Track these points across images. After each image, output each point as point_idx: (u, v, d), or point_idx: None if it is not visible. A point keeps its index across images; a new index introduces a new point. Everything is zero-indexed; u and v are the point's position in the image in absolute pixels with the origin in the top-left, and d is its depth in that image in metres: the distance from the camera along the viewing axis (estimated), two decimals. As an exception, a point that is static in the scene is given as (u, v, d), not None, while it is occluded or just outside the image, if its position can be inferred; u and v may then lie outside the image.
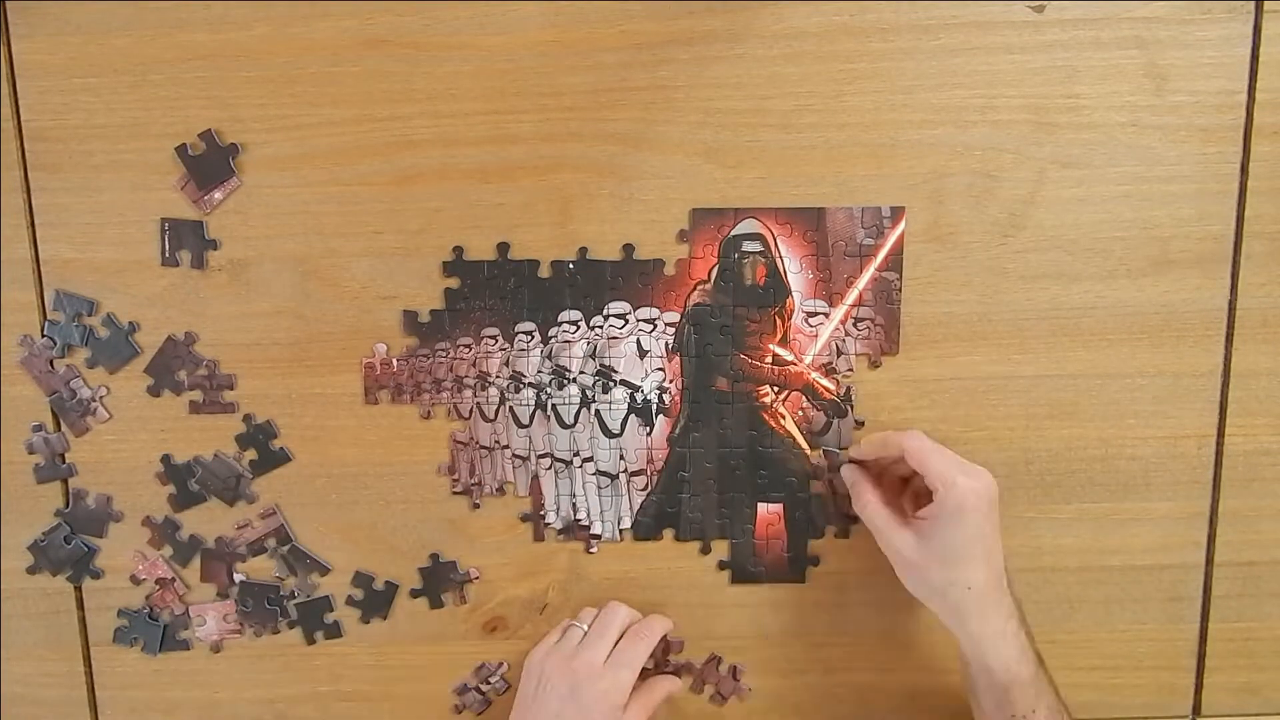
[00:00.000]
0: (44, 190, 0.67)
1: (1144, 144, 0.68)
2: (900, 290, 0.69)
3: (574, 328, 0.70)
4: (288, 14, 0.65)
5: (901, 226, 0.69)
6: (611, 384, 0.71)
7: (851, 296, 0.70)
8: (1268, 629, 0.75)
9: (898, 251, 0.69)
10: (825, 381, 0.71)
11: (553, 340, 0.70)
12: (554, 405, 0.71)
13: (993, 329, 0.70)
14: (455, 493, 0.72)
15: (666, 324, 0.70)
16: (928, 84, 0.67)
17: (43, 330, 0.69)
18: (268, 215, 0.68)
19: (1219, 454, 0.72)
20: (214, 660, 0.74)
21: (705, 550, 0.73)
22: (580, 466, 0.72)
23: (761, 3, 0.65)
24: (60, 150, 0.67)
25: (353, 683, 0.75)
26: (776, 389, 0.71)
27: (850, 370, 0.71)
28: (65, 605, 0.73)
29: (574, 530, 0.73)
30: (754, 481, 0.72)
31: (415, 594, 0.73)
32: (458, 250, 0.69)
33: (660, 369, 0.71)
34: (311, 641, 0.74)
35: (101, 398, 0.70)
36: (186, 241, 0.68)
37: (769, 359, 0.71)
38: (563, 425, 0.71)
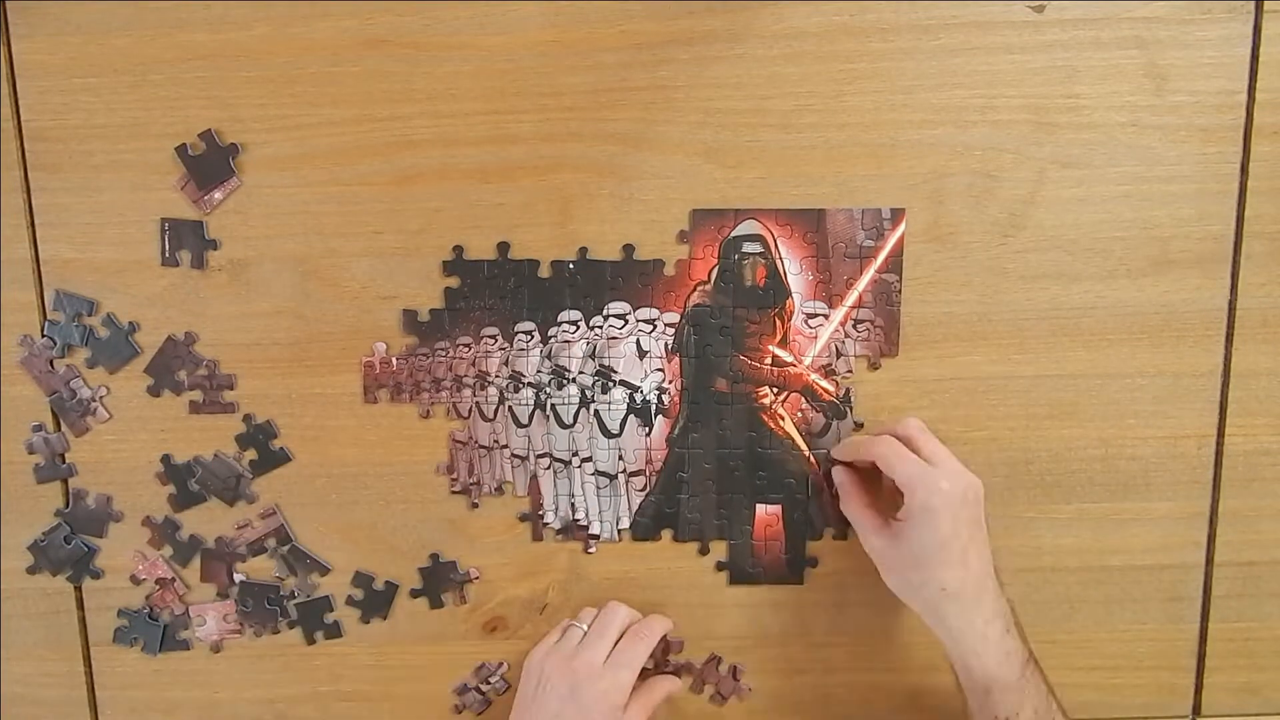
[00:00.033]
0: (44, 190, 0.67)
1: (1144, 144, 0.68)
2: (900, 292, 0.69)
3: (574, 328, 0.70)
4: (288, 14, 0.65)
5: (901, 228, 0.69)
6: (611, 384, 0.71)
7: (851, 298, 0.70)
8: (1268, 629, 0.75)
9: (898, 253, 0.69)
10: (824, 383, 0.71)
11: (552, 340, 0.70)
12: (553, 405, 0.71)
13: (993, 329, 0.70)
14: (454, 492, 0.72)
15: (666, 324, 0.70)
16: (928, 84, 0.67)
17: (43, 330, 0.69)
18: (268, 215, 0.68)
19: (1219, 454, 0.72)
20: (214, 660, 0.74)
21: (704, 551, 0.73)
22: (579, 466, 0.72)
23: (761, 3, 0.65)
24: (60, 150, 0.67)
25: (353, 683, 0.75)
26: (776, 390, 0.71)
27: (850, 371, 0.71)
28: (65, 605, 0.73)
29: (573, 530, 0.73)
30: (753, 482, 0.72)
31: (415, 594, 0.73)
32: (458, 250, 0.69)
33: (660, 369, 0.71)
34: (311, 641, 0.74)
35: (101, 398, 0.70)
36: (186, 241, 0.68)
37: (768, 360, 0.71)
38: (562, 425, 0.71)
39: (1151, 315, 0.70)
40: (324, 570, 0.73)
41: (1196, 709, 0.76)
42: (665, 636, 0.73)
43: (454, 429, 0.71)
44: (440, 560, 0.73)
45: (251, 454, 0.71)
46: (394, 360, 0.70)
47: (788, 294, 0.70)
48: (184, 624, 0.73)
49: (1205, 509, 0.73)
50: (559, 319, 0.70)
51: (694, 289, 0.70)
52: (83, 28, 0.65)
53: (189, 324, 0.69)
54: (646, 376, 0.71)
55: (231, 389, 0.70)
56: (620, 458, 0.72)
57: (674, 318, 0.70)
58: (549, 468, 0.72)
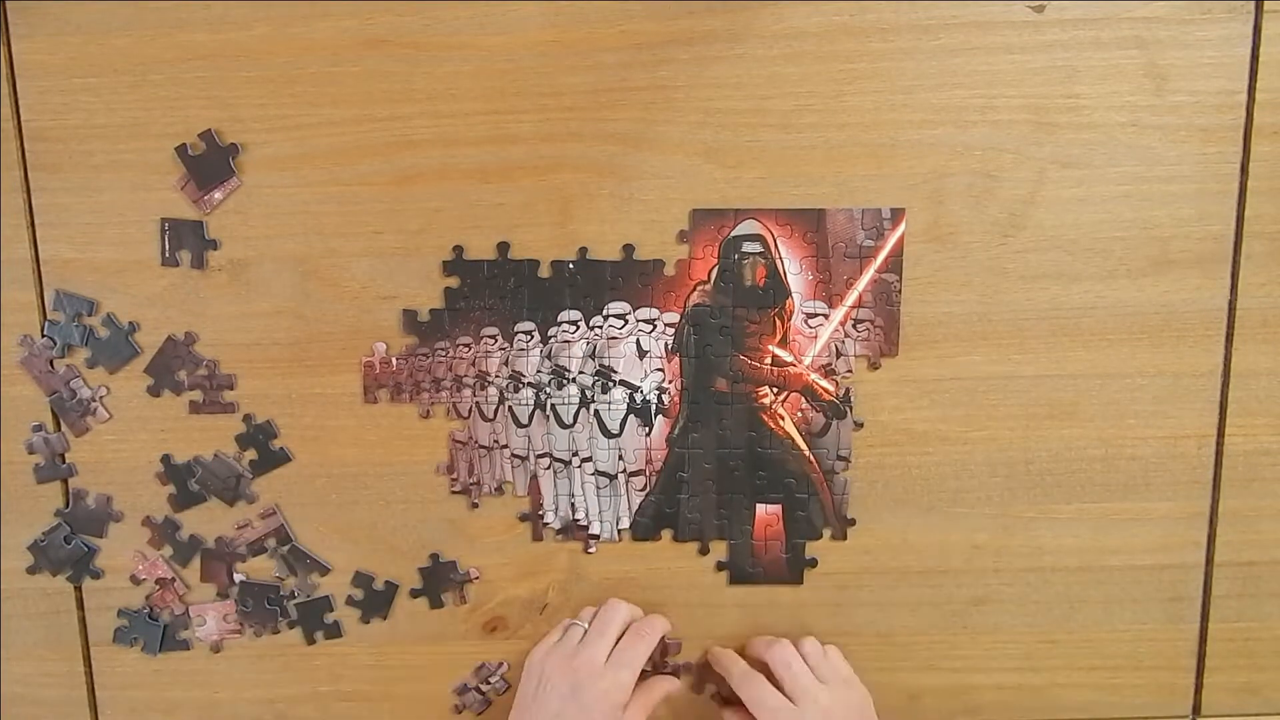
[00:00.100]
0: (44, 190, 0.67)
1: (1144, 144, 0.68)
2: (900, 292, 0.69)
3: (573, 328, 0.70)
4: (288, 14, 0.65)
5: (901, 229, 0.69)
6: (611, 384, 0.71)
7: (851, 298, 0.70)
8: (1268, 629, 0.75)
9: (898, 253, 0.69)
10: (824, 383, 0.71)
11: (552, 340, 0.70)
12: (553, 405, 0.71)
13: (993, 329, 0.70)
14: (454, 492, 0.72)
15: (666, 324, 0.70)
16: (928, 84, 0.67)
17: (43, 330, 0.69)
18: (268, 215, 0.68)
19: (1219, 454, 0.72)
20: (214, 660, 0.74)
21: (704, 551, 0.73)
22: (579, 466, 0.72)
23: (761, 3, 0.65)
24: (60, 150, 0.67)
25: (353, 683, 0.75)
26: (776, 390, 0.71)
27: (849, 371, 0.71)
28: (65, 605, 0.73)
29: (572, 530, 0.73)
30: (753, 482, 0.72)
31: (415, 594, 0.73)
32: (458, 250, 0.69)
33: (660, 369, 0.71)
34: (311, 641, 0.74)
35: (101, 398, 0.70)
36: (186, 241, 0.68)
37: (768, 360, 0.71)
38: (562, 425, 0.71)
39: (1151, 315, 0.70)
40: (324, 570, 0.73)
41: (1196, 709, 0.76)
42: (664, 638, 0.73)
43: (454, 429, 0.71)
44: (440, 560, 0.73)
45: (251, 454, 0.71)
46: (394, 360, 0.70)
47: (788, 294, 0.70)
48: (184, 624, 0.73)
49: (1205, 509, 0.73)
50: (559, 319, 0.70)
51: (694, 289, 0.70)
52: (83, 28, 0.65)
53: (189, 324, 0.69)
54: (646, 376, 0.71)
55: (231, 389, 0.70)
56: (620, 458, 0.72)
57: (674, 318, 0.70)
58: (549, 468, 0.72)
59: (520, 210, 0.68)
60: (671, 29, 0.66)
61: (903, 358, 0.71)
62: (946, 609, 0.74)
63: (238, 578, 0.73)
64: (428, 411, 0.71)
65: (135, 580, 0.73)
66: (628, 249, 0.69)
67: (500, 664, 0.75)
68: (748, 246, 0.69)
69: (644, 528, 0.73)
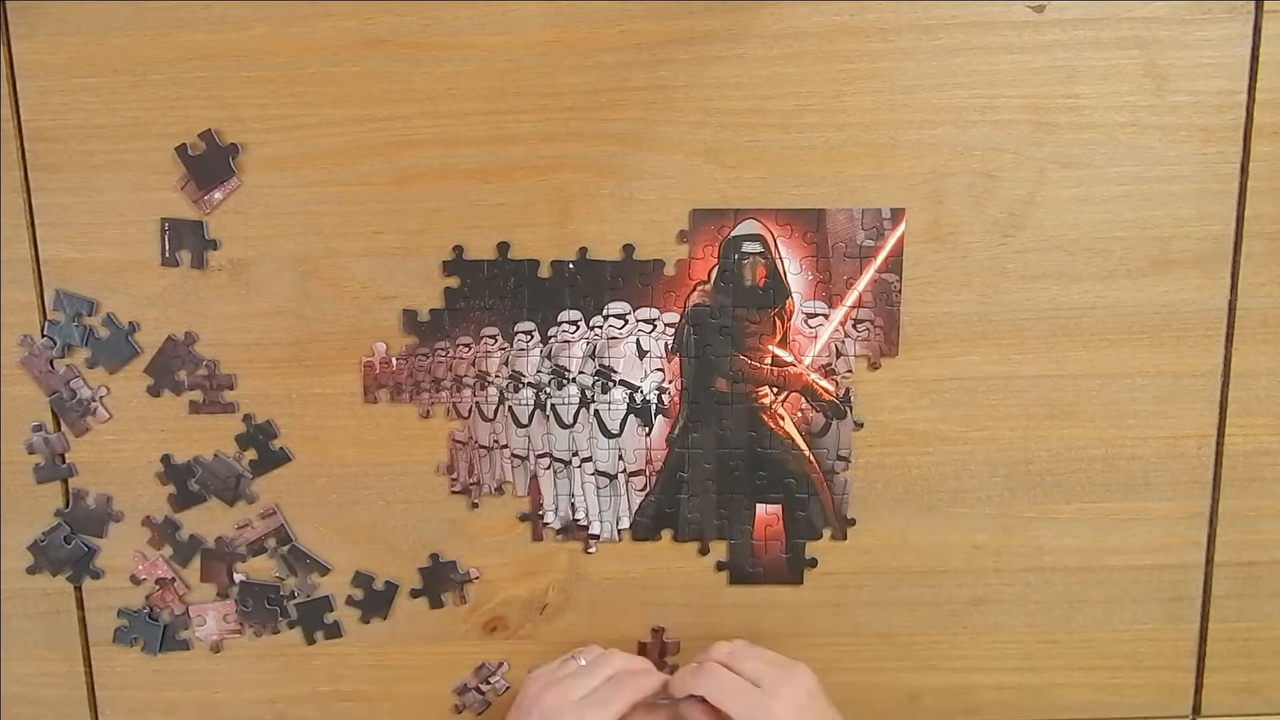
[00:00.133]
0: (44, 190, 0.67)
1: (1144, 144, 0.68)
2: (900, 292, 0.69)
3: (573, 328, 0.70)
4: (288, 14, 0.65)
5: (901, 228, 0.69)
6: (611, 384, 0.71)
7: (851, 298, 0.70)
8: (1268, 629, 0.75)
9: (898, 253, 0.69)
10: (824, 383, 0.71)
11: (552, 340, 0.70)
12: (553, 405, 0.71)
13: (993, 329, 0.70)
14: (454, 492, 0.72)
15: (666, 324, 0.70)
16: (928, 84, 0.67)
17: (43, 330, 0.69)
18: (268, 215, 0.68)
19: (1219, 454, 0.72)
20: (214, 660, 0.74)
21: (704, 551, 0.73)
22: (579, 466, 0.72)
23: (761, 3, 0.65)
24: (60, 150, 0.67)
25: (353, 683, 0.75)
26: (776, 390, 0.71)
27: (849, 371, 0.71)
28: (65, 605, 0.73)
29: (572, 530, 0.73)
30: (753, 482, 0.72)
31: (415, 594, 0.73)
32: (458, 250, 0.69)
33: (660, 369, 0.71)
34: (311, 641, 0.74)
35: (101, 398, 0.70)
36: (186, 241, 0.68)
37: (768, 360, 0.71)
38: (562, 425, 0.71)
39: (1151, 315, 0.70)
40: (324, 570, 0.73)
41: (1196, 709, 0.76)
42: (663, 636, 0.73)
43: (454, 429, 0.71)
44: (440, 560, 0.73)
45: (251, 454, 0.71)
46: (394, 360, 0.70)
47: (788, 294, 0.70)
48: (184, 624, 0.73)
49: (1205, 509, 0.73)
50: (559, 319, 0.70)
51: (694, 289, 0.70)
52: (83, 28, 0.65)
53: (189, 324, 0.69)
54: (646, 376, 0.71)
55: (231, 389, 0.70)
56: (620, 458, 0.72)
57: (674, 318, 0.70)
58: (549, 468, 0.72)
59: (520, 210, 0.68)
60: (671, 29, 0.66)
61: (903, 358, 0.71)
62: (946, 609, 0.74)
63: (238, 578, 0.73)
64: (428, 411, 0.71)
65: (135, 580, 0.73)
66: (628, 249, 0.69)
67: (500, 664, 0.75)
68: (748, 246, 0.69)
69: (644, 528, 0.73)
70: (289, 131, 0.67)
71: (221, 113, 0.66)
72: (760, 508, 0.73)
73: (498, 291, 0.69)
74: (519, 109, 0.66)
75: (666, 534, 0.73)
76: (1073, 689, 0.76)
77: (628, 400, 0.71)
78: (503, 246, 0.69)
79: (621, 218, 0.68)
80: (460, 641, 0.74)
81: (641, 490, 0.72)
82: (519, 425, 0.71)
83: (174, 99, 0.66)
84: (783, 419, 0.72)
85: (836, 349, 0.71)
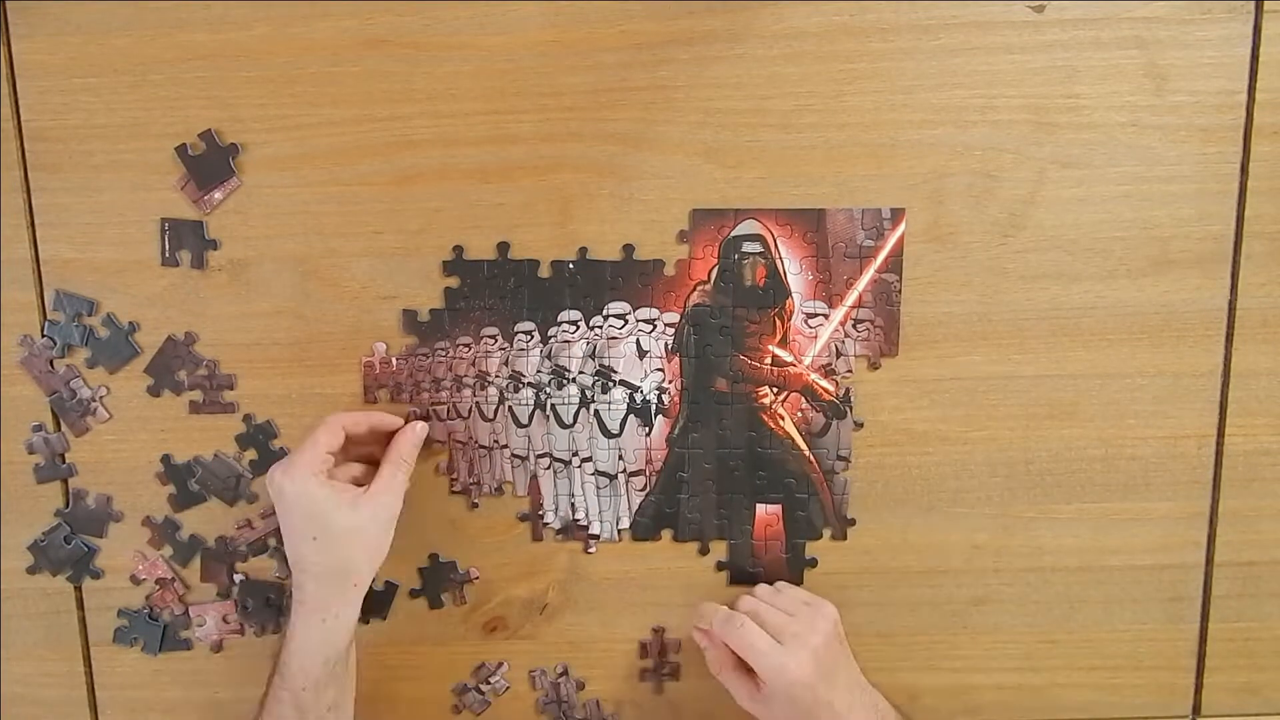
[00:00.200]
0: (44, 190, 0.67)
1: (1144, 144, 0.68)
2: (900, 292, 0.69)
3: (573, 328, 0.70)
4: (288, 14, 0.65)
5: (901, 228, 0.69)
6: (611, 384, 0.71)
7: (851, 298, 0.70)
8: (1268, 629, 0.75)
9: (897, 253, 0.69)
10: (824, 383, 0.71)
11: (552, 340, 0.70)
12: (553, 405, 0.71)
13: (993, 329, 0.70)
14: (454, 492, 0.72)
15: (666, 324, 0.70)
16: (928, 84, 0.67)
17: (43, 330, 0.69)
18: (268, 215, 0.68)
19: (1219, 454, 0.72)
20: (214, 660, 0.74)
21: (704, 551, 0.73)
22: (579, 466, 0.72)
23: (761, 3, 0.65)
24: (60, 150, 0.67)
25: (352, 682, 0.75)
26: (776, 390, 0.71)
27: (849, 371, 0.71)
28: (65, 605, 0.73)
29: (572, 530, 0.73)
30: (753, 482, 0.72)
31: (415, 594, 0.73)
32: (458, 250, 0.69)
33: (660, 369, 0.71)
34: (311, 641, 0.74)
35: (101, 398, 0.70)
36: (186, 241, 0.68)
37: (768, 360, 0.71)
38: (562, 425, 0.71)
39: (1151, 315, 0.70)
40: (324, 570, 0.73)
41: (1196, 709, 0.76)
42: (663, 634, 0.73)
43: (454, 429, 0.71)
44: (440, 560, 0.73)
45: (251, 454, 0.71)
46: (394, 360, 0.70)
47: (788, 294, 0.70)
48: (184, 624, 0.73)
49: (1205, 509, 0.73)
50: (559, 319, 0.70)
51: (694, 289, 0.70)
52: (83, 28, 0.65)
53: (189, 324, 0.69)
54: (646, 376, 0.71)
55: (231, 389, 0.70)
56: (620, 458, 0.72)
57: (674, 318, 0.70)
58: (549, 468, 0.72)
59: (520, 210, 0.68)
60: (671, 29, 0.66)
61: (903, 358, 0.71)
62: (946, 609, 0.74)
63: (238, 577, 0.73)
64: (428, 412, 0.71)
65: (135, 580, 0.73)
66: (628, 249, 0.69)
67: (500, 664, 0.75)
68: (748, 246, 0.69)
69: (644, 528, 0.73)
70: (289, 131, 0.67)
71: (221, 113, 0.66)
72: (760, 508, 0.73)
73: (498, 291, 0.69)
74: (519, 109, 0.66)
75: (666, 534, 0.73)
76: (1073, 689, 0.76)
77: (628, 400, 0.71)
78: (503, 246, 0.69)
79: (621, 218, 0.68)
80: (460, 642, 0.74)
81: (641, 490, 0.72)
82: (519, 425, 0.71)
83: (174, 99, 0.66)
84: (783, 419, 0.72)
85: (836, 349, 0.71)
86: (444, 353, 0.70)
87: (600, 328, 0.70)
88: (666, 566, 0.74)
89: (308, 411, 0.71)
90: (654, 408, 0.71)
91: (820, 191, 0.68)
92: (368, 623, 0.74)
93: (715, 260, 0.69)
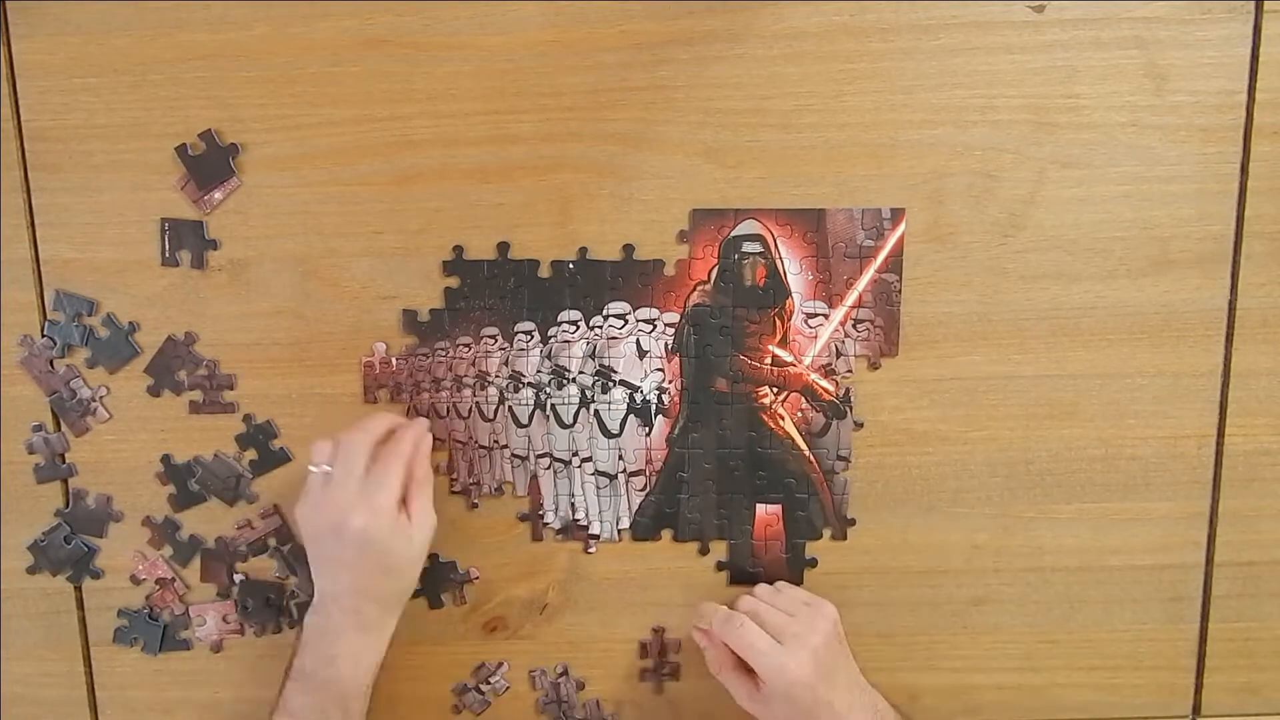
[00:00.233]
0: (44, 190, 0.67)
1: (1144, 144, 0.68)
2: (900, 292, 0.69)
3: (573, 328, 0.70)
4: (288, 14, 0.65)
5: (901, 228, 0.69)
6: (611, 384, 0.71)
7: (851, 298, 0.70)
8: (1268, 629, 0.75)
9: (898, 253, 0.69)
10: (824, 383, 0.71)
11: (552, 340, 0.70)
12: (553, 405, 0.71)
13: (993, 329, 0.70)
14: (454, 492, 0.72)
15: (666, 324, 0.70)
16: (928, 84, 0.67)
17: (43, 330, 0.69)
18: (268, 215, 0.68)
19: (1219, 454, 0.72)
20: (214, 660, 0.74)
21: (704, 551, 0.73)
22: (579, 466, 0.72)
23: (761, 3, 0.65)
24: (60, 150, 0.67)
25: (352, 682, 0.75)
26: (776, 390, 0.71)
27: (849, 371, 0.71)
28: (65, 605, 0.73)
29: (572, 530, 0.73)
30: (753, 482, 0.72)
31: (415, 593, 0.73)
32: (458, 250, 0.69)
33: (660, 369, 0.71)
34: (311, 641, 0.74)
35: (101, 398, 0.70)
36: (186, 241, 0.68)
37: (768, 360, 0.71)
38: (562, 425, 0.71)
39: (1151, 315, 0.70)
40: (324, 570, 0.73)
41: (1196, 709, 0.76)
42: (662, 633, 0.73)
43: (454, 429, 0.71)
44: (440, 560, 0.73)
45: (251, 454, 0.71)
46: (394, 360, 0.70)
47: (788, 294, 0.70)
48: (184, 624, 0.73)
49: (1205, 509, 0.73)
50: (559, 319, 0.70)
51: (694, 289, 0.70)
52: (83, 28, 0.65)
53: (189, 324, 0.69)
54: (646, 376, 0.71)
55: (231, 389, 0.70)
56: (620, 458, 0.72)
57: (674, 318, 0.70)
58: (549, 468, 0.72)
59: (520, 210, 0.68)
60: (671, 29, 0.66)
61: (903, 358, 0.71)
62: (946, 609, 0.74)
63: (238, 578, 0.73)
64: (428, 411, 0.71)
65: (135, 580, 0.73)
66: (628, 249, 0.69)
67: (500, 664, 0.75)
68: (748, 246, 0.69)
69: (644, 528, 0.73)
70: (289, 131, 0.67)
71: (221, 113, 0.66)
72: (760, 508, 0.73)
73: (498, 291, 0.69)
74: (519, 109, 0.66)
75: (666, 534, 0.73)
76: (1073, 689, 0.76)
77: (628, 400, 0.71)
78: (503, 246, 0.69)
79: (621, 218, 0.68)
80: (460, 641, 0.74)
81: (641, 490, 0.72)
82: (519, 425, 0.71)
83: (174, 99, 0.66)
84: (783, 419, 0.72)
85: (836, 349, 0.71)
86: (444, 353, 0.70)
87: (600, 328, 0.70)
88: (666, 566, 0.74)
89: (308, 411, 0.71)
90: (654, 408, 0.71)
91: (820, 191, 0.68)
92: (368, 623, 0.74)
93: (715, 260, 0.69)
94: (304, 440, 0.71)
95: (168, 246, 0.68)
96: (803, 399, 0.71)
